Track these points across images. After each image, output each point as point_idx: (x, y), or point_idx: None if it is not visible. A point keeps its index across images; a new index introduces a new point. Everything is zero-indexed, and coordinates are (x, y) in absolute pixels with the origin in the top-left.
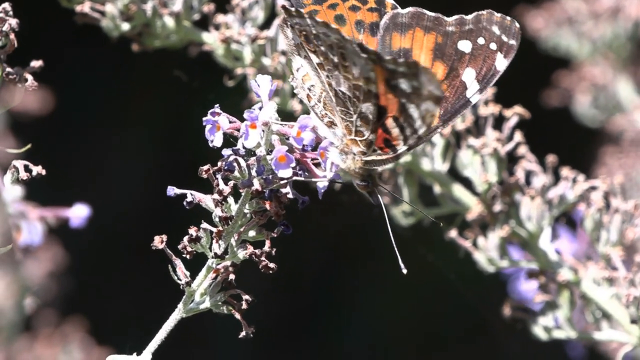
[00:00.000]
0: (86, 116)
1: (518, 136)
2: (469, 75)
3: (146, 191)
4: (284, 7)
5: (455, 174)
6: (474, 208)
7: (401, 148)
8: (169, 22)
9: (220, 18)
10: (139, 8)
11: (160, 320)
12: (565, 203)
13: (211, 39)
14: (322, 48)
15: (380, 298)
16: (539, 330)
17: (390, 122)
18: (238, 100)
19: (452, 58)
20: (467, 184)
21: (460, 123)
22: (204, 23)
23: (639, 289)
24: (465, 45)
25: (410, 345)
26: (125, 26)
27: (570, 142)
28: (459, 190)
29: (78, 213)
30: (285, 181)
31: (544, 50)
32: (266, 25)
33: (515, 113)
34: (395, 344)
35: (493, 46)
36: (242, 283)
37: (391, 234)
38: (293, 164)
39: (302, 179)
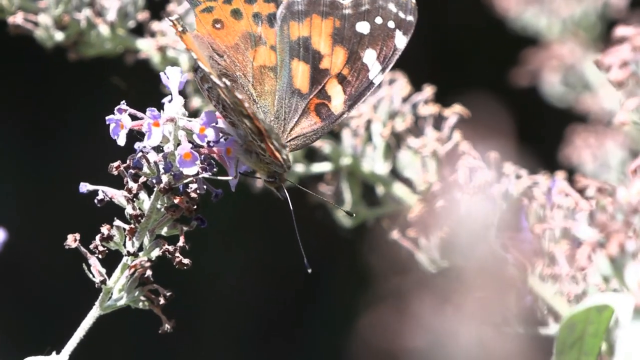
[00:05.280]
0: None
1: (457, 135)
2: (369, 56)
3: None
4: (167, 17)
5: (397, 174)
6: (415, 207)
7: (285, 165)
8: (104, 30)
9: (155, 25)
10: (72, 18)
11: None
12: (508, 199)
13: (147, 46)
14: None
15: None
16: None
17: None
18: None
19: (352, 41)
20: (410, 183)
21: (401, 123)
22: (140, 30)
23: (580, 286)
24: (363, 27)
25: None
26: (60, 36)
27: (540, 121)
28: (400, 189)
29: None
30: (192, 177)
31: (513, 30)
32: None
33: (454, 112)
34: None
35: (391, 24)
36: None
37: (297, 231)
38: (198, 161)
39: (208, 175)
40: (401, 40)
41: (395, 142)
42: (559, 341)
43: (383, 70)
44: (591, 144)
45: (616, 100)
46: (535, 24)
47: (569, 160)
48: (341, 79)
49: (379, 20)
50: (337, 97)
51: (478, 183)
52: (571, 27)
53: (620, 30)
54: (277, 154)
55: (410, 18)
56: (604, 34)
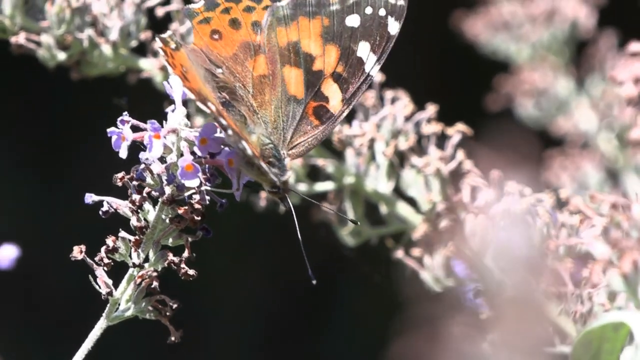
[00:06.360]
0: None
1: (460, 154)
2: (363, 49)
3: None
4: (157, 36)
5: (401, 193)
6: (419, 227)
7: (280, 180)
8: (106, 50)
9: (158, 45)
10: (74, 37)
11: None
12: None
13: (149, 66)
14: None
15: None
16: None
17: None
18: None
19: (343, 37)
20: (414, 202)
21: (404, 142)
22: (143, 49)
23: (586, 305)
24: (353, 20)
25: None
26: (62, 55)
27: (515, 145)
28: (404, 209)
29: (5, 254)
30: (195, 189)
31: (484, 55)
32: None
33: (457, 131)
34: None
35: (382, 12)
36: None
37: (301, 243)
38: (200, 173)
39: (209, 187)
40: (394, 26)
41: (399, 161)
42: (573, 358)
43: (379, 60)
44: (568, 166)
45: (590, 122)
46: (505, 49)
47: (549, 184)
48: (337, 77)
49: (368, 10)
50: (334, 97)
51: (482, 202)
52: (540, 51)
53: (634, 46)
54: (268, 174)
55: (401, 2)
56: (574, 56)
